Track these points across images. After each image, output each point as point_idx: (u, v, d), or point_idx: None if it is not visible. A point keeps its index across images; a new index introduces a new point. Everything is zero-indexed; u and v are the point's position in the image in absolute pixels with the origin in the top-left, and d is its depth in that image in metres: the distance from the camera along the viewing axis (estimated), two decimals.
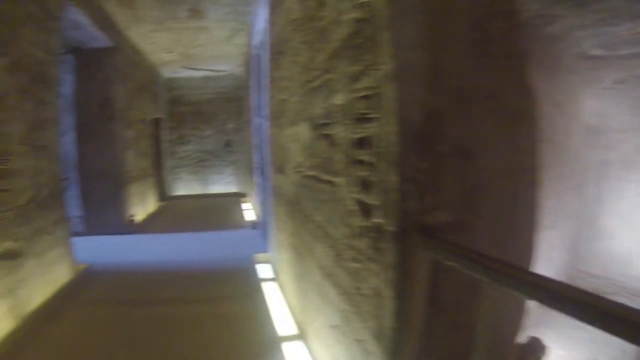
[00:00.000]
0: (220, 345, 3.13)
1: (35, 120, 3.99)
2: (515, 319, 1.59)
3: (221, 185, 12.57)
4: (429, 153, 1.25)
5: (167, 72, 11.40)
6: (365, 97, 1.39)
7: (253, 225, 7.21)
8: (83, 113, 7.06)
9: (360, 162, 1.44)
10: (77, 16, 5.34)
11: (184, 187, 12.55)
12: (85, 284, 4.55)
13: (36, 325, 3.46)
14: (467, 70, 1.38)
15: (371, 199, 1.38)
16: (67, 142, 6.90)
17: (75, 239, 5.03)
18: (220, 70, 11.46)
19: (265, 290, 3.92)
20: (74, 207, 7.11)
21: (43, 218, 4.03)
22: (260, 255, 4.95)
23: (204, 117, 12.42)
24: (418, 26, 1.27)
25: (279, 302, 3.63)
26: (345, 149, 1.56)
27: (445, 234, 1.28)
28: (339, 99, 1.61)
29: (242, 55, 9.58)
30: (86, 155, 7.14)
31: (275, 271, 4.30)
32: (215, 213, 9.44)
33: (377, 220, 1.35)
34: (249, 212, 8.70)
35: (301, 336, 2.96)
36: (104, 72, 7.10)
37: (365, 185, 1.42)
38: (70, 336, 3.37)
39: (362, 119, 1.42)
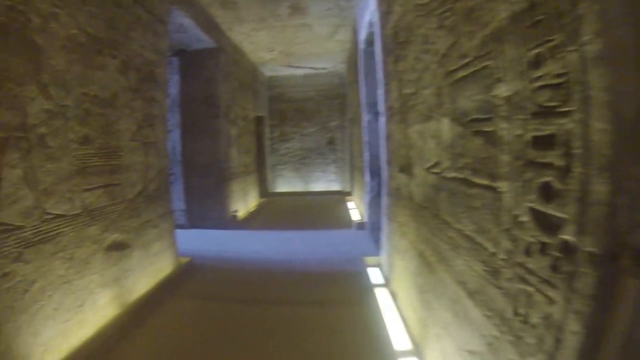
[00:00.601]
0: (325, 355, 2.95)
1: (145, 117, 4.22)
2: None
3: (323, 183, 12.64)
4: None
5: (267, 71, 11.66)
6: (550, 86, 1.13)
7: (359, 225, 7.04)
8: (188, 111, 7.50)
9: (541, 165, 1.18)
10: (182, 19, 5.67)
11: (285, 184, 12.79)
12: (187, 278, 4.71)
13: (138, 315, 3.61)
14: None
15: (556, 211, 1.12)
16: (173, 139, 7.26)
17: (179, 232, 5.17)
18: (321, 68, 11.47)
19: (377, 297, 3.68)
20: (177, 201, 7.46)
21: (150, 211, 4.24)
22: (370, 258, 4.72)
23: (306, 114, 12.54)
24: None
25: (390, 311, 3.38)
26: (515, 149, 1.30)
27: None
28: (504, 90, 1.36)
29: (344, 52, 9.48)
30: (191, 151, 7.56)
31: (386, 277, 4.06)
32: (318, 211, 9.47)
33: (566, 237, 1.09)
34: (354, 211, 8.54)
35: (417, 352, 2.69)
36: (208, 72, 7.46)
37: (548, 193, 1.15)
38: (169, 328, 3.47)
39: (545, 113, 1.16)
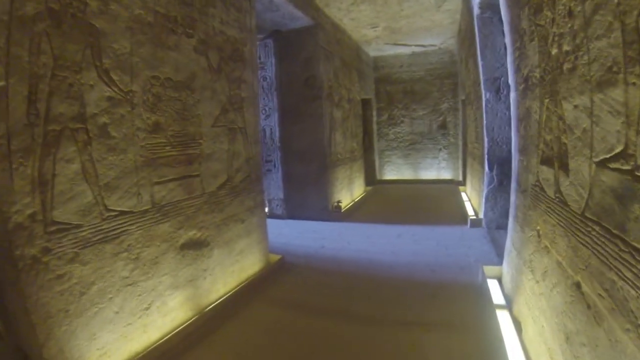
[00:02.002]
0: None
1: (231, 100, 3.90)
2: None
3: (434, 170, 11.78)
4: None
5: (372, 51, 11.09)
6: None
7: (473, 222, 6.19)
8: (287, 94, 7.20)
9: None
10: None
11: (394, 171, 12.18)
12: (274, 279, 4.31)
13: (212, 320, 3.30)
14: None
15: None
16: (271, 124, 7.09)
17: (275, 223, 4.82)
18: (430, 45, 10.60)
19: (498, 323, 2.88)
20: (276, 190, 7.26)
21: (235, 205, 3.93)
22: (489, 268, 3.83)
23: (415, 96, 11.75)
24: None
25: (513, 346, 2.56)
26: None
27: None
28: None
29: (454, 25, 8.60)
30: (290, 136, 7.27)
31: (507, 296, 3.26)
32: (429, 202, 8.65)
33: None
34: (467, 204, 7.65)
35: None
36: (306, 52, 7.09)
37: None
38: (242, 341, 3.09)
39: None
